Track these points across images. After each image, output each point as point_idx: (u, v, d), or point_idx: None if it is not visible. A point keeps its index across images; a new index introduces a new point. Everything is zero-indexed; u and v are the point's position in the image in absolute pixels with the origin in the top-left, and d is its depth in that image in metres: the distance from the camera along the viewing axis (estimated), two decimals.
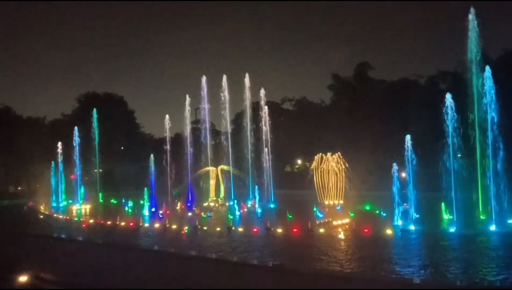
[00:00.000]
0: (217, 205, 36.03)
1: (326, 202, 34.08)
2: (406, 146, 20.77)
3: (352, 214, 24.32)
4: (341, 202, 33.31)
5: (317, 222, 21.73)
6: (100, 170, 45.61)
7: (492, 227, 18.64)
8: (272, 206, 33.67)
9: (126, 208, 32.35)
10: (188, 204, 33.18)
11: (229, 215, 26.74)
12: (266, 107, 38.03)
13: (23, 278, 10.25)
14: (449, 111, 20.32)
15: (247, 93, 38.35)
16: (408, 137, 20.97)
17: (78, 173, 42.11)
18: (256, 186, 34.24)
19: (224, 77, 38.16)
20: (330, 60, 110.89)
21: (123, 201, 35.47)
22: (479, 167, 21.11)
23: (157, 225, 23.02)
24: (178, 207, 33.37)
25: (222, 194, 38.25)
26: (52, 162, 41.76)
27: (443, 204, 21.98)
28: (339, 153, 34.96)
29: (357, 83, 53.73)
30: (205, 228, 21.45)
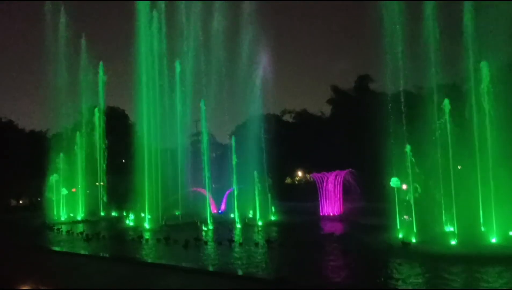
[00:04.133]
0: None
1: (328, 214, 34.12)
2: (406, 157, 20.90)
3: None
4: (342, 214, 33.32)
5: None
6: (102, 183, 45.61)
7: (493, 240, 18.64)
8: (273, 218, 33.66)
9: (127, 221, 32.38)
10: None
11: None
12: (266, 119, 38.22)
13: None
14: (448, 124, 20.48)
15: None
16: (408, 148, 21.11)
17: (79, 186, 42.15)
18: (257, 198, 34.18)
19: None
20: (331, 72, 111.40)
21: (124, 214, 35.49)
22: (479, 176, 21.17)
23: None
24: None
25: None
26: (54, 175, 41.77)
27: (443, 215, 22.00)
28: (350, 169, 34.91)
29: (357, 95, 54.01)
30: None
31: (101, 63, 45.66)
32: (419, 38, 24.53)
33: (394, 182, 21.24)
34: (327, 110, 61.09)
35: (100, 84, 45.30)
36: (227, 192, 38.44)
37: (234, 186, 33.37)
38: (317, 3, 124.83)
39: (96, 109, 45.82)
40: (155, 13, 34.16)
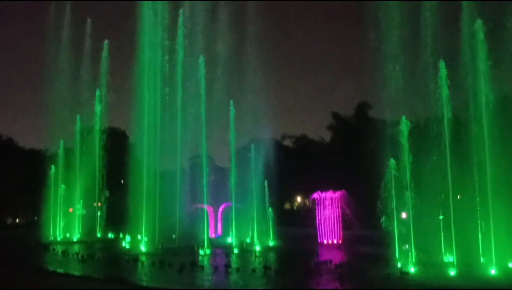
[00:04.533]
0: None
1: (325, 241, 33.81)
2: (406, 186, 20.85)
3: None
4: (340, 241, 33.03)
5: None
6: (99, 204, 45.38)
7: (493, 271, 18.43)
8: (272, 244, 33.36)
9: (123, 244, 32.07)
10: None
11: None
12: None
13: None
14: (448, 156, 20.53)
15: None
16: (408, 177, 21.06)
17: (77, 206, 41.91)
18: (255, 223, 33.94)
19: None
20: (331, 98, 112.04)
21: (121, 235, 35.17)
22: (479, 206, 21.10)
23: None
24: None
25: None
26: (52, 194, 41.59)
27: (442, 245, 21.82)
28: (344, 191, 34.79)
29: (357, 122, 54.22)
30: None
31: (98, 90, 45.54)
32: (418, 67, 24.77)
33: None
34: (327, 136, 61.33)
35: (97, 105, 45.27)
36: (222, 206, 38.14)
37: (233, 203, 33.12)
38: (319, 29, 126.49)
39: (96, 129, 45.87)
40: (157, 39, 34.68)
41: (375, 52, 27.36)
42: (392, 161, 21.39)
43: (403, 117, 21.72)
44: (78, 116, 43.89)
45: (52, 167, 41.57)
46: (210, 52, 37.60)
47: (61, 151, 42.70)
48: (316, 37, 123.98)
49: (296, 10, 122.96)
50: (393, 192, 21.94)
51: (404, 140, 21.84)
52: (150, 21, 34.59)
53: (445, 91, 21.53)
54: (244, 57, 39.24)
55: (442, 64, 21.58)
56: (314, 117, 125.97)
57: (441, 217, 21.45)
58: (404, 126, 22.01)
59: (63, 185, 41.92)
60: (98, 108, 45.07)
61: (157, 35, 35.16)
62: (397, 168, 21.96)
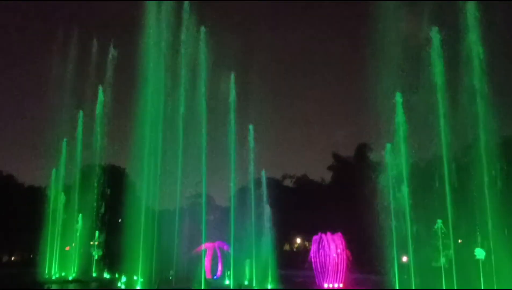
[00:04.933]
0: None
1: (326, 285, 33.13)
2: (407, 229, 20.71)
3: None
4: (341, 285, 32.35)
5: None
6: (96, 242, 44.87)
7: None
8: (270, 286, 32.75)
9: (119, 284, 31.53)
10: None
11: None
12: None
13: None
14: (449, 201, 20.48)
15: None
16: (408, 219, 20.94)
17: (73, 244, 41.43)
18: (254, 265, 33.46)
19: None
20: (332, 138, 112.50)
21: (116, 276, 34.63)
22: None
23: None
24: None
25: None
26: (49, 231, 41.27)
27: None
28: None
29: (357, 163, 54.19)
30: None
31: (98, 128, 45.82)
32: (417, 112, 25.01)
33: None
34: (327, 176, 61.19)
35: (97, 140, 45.39)
36: (217, 243, 37.62)
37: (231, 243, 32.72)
38: (319, 69, 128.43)
39: (96, 167, 45.85)
40: (158, 71, 35.20)
41: (375, 94, 27.71)
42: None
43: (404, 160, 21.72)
44: (78, 153, 44.02)
45: (50, 204, 41.39)
46: (212, 94, 37.96)
47: (59, 189, 42.64)
48: (316, 77, 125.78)
49: (297, 51, 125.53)
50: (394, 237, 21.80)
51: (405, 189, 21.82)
52: (152, 62, 35.16)
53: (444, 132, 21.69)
54: (245, 99, 39.55)
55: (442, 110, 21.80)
56: (315, 157, 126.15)
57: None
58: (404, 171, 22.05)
59: (60, 223, 41.62)
60: (97, 144, 45.19)
61: (159, 75, 35.66)
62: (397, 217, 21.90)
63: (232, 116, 35.21)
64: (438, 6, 26.15)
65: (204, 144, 32.36)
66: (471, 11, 23.82)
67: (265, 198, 36.98)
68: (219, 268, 37.75)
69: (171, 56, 36.64)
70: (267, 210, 36.49)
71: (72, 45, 46.28)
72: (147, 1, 36.24)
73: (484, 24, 23.47)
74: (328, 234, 34.77)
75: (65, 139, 43.29)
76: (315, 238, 35.77)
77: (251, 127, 36.00)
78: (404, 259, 23.38)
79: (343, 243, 33.96)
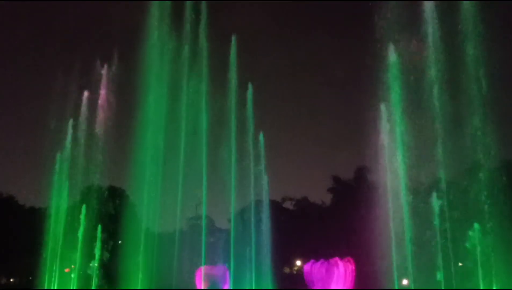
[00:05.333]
0: None
1: None
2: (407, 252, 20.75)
3: None
4: None
5: None
6: (96, 264, 44.63)
7: None
8: None
9: None
10: None
11: None
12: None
13: None
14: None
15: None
16: (409, 243, 20.99)
17: (73, 266, 41.19)
18: (254, 287, 33.29)
19: None
20: (332, 160, 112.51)
21: None
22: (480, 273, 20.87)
23: None
24: None
25: None
26: (48, 253, 41.05)
27: None
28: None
29: (356, 185, 54.19)
30: None
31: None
32: (416, 135, 25.23)
33: None
34: (328, 198, 61.09)
35: (97, 162, 45.50)
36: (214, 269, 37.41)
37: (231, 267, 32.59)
38: (320, 92, 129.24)
39: (97, 188, 45.86)
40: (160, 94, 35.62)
41: (374, 116, 27.97)
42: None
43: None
44: (79, 174, 44.05)
45: (50, 226, 41.28)
46: (213, 116, 38.29)
47: (60, 210, 42.55)
48: (317, 101, 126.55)
49: (296, 76, 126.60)
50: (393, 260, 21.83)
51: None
52: (152, 87, 35.53)
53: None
54: (243, 119, 39.77)
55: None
56: (315, 179, 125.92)
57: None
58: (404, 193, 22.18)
59: (60, 245, 41.42)
60: (98, 166, 45.24)
61: (160, 97, 36.02)
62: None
63: (233, 139, 35.46)
64: (440, 40, 26.55)
65: (204, 168, 32.51)
66: (470, 38, 24.29)
67: (265, 220, 37.02)
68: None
69: (174, 83, 37.07)
70: (267, 232, 36.49)
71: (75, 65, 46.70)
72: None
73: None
74: (336, 259, 34.46)
75: (67, 163, 43.38)
76: (306, 268, 35.61)
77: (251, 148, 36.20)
78: (405, 282, 23.32)
79: (353, 269, 33.76)
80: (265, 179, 38.61)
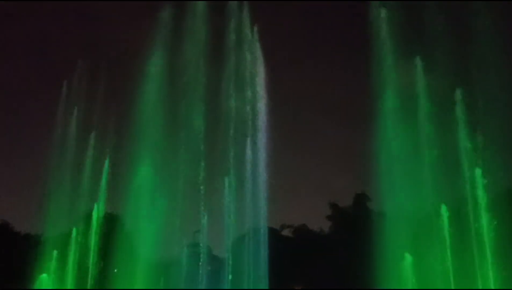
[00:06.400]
0: None
1: None
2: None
3: None
4: None
5: None
6: None
7: None
8: None
9: None
10: None
11: None
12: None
13: None
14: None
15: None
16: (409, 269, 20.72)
17: None
18: None
19: None
20: (331, 187, 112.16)
21: None
22: None
23: None
24: None
25: None
26: (42, 280, 40.48)
27: None
28: None
29: (355, 213, 53.81)
30: None
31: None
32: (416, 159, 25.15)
33: None
34: (326, 225, 60.47)
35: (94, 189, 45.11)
36: None
37: None
38: (317, 120, 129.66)
39: (94, 215, 45.47)
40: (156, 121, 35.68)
41: (372, 143, 27.93)
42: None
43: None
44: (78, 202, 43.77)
45: (45, 253, 40.83)
46: (208, 134, 38.14)
47: (55, 237, 42.16)
48: (314, 126, 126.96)
49: (294, 101, 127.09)
50: None
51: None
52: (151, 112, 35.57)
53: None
54: (242, 143, 39.63)
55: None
56: (314, 207, 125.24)
57: None
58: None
59: (54, 272, 40.89)
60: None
61: (156, 120, 36.00)
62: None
63: (231, 165, 35.28)
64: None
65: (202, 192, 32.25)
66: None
67: (263, 247, 36.52)
68: None
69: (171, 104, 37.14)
70: (264, 259, 35.96)
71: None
72: None
73: None
74: None
75: (63, 189, 43.09)
76: None
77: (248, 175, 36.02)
78: None
79: None
80: (263, 206, 38.28)
